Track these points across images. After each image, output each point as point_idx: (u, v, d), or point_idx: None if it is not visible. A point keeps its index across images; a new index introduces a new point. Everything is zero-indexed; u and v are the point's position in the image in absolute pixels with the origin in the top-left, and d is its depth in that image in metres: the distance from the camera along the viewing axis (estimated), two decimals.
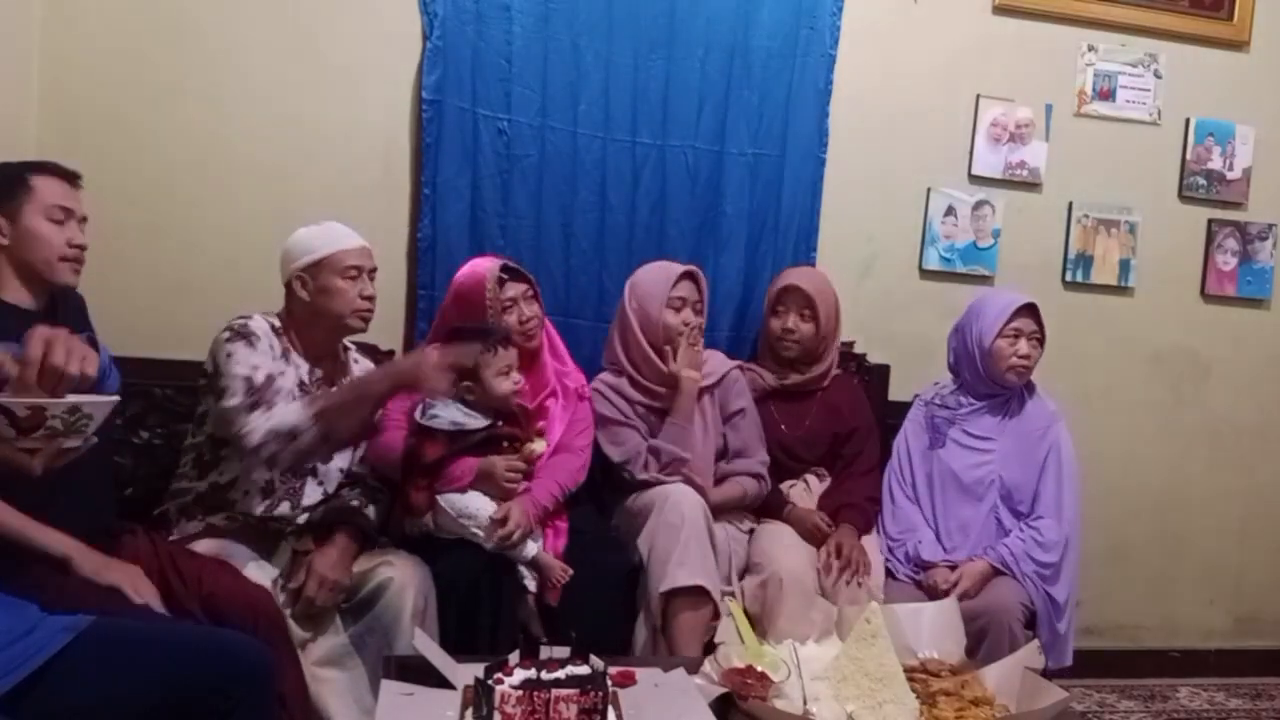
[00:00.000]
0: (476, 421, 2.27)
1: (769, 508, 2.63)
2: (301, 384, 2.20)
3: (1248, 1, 3.25)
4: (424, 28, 2.69)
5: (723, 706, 1.71)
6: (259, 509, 2.16)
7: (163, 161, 2.61)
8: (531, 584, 2.23)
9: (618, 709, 1.60)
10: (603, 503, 2.54)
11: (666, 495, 2.36)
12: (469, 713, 1.60)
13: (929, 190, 3.11)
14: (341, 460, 2.29)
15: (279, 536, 2.18)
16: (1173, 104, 3.25)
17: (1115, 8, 3.18)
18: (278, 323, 2.22)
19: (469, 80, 2.71)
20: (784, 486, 2.68)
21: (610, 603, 2.30)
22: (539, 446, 2.31)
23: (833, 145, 2.99)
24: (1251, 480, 3.45)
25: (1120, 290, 3.29)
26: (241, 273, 2.55)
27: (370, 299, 2.22)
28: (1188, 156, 3.28)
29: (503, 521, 2.19)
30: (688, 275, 2.59)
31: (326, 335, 2.24)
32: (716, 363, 2.66)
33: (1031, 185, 3.19)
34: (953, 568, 2.51)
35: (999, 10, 3.11)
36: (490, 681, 1.54)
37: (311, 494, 2.24)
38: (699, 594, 2.26)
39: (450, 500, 2.22)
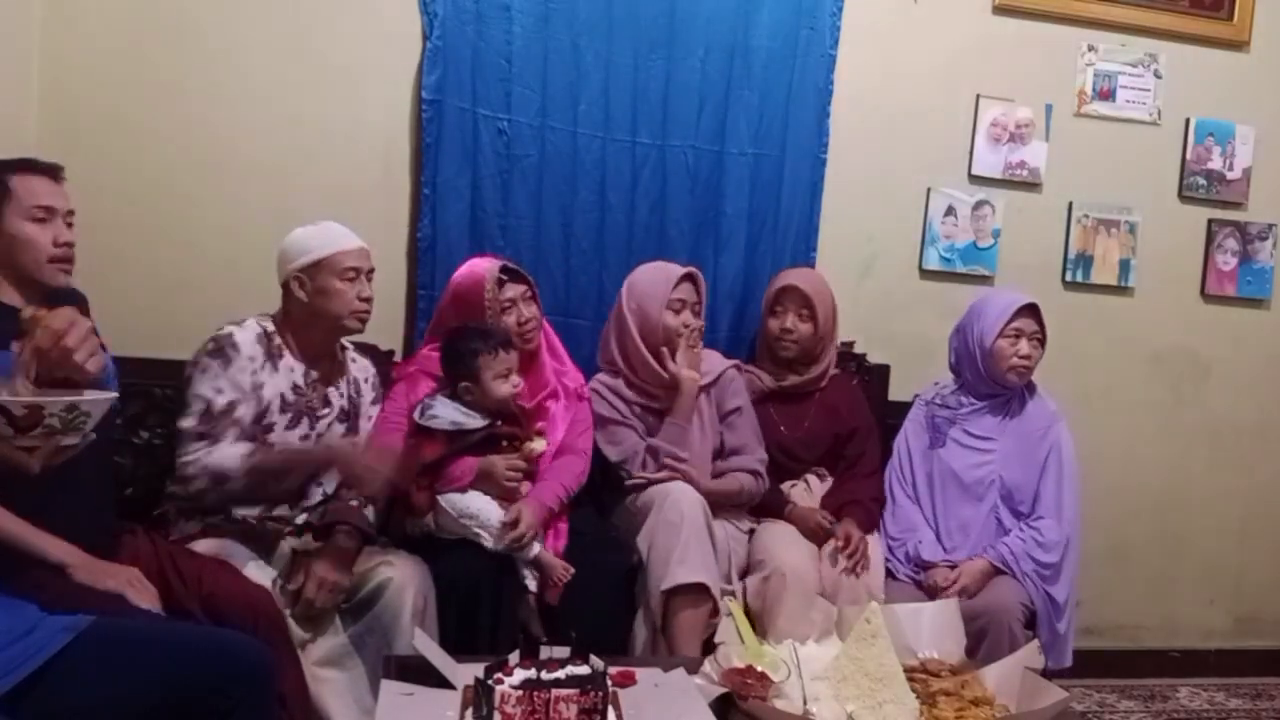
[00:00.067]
0: (475, 421, 2.27)
1: (770, 507, 2.63)
2: (295, 386, 2.19)
3: (1248, 1, 3.25)
4: (424, 28, 2.69)
5: (723, 706, 1.71)
6: (257, 510, 2.16)
7: (163, 161, 2.61)
8: (532, 584, 2.23)
9: (618, 709, 1.60)
10: (602, 503, 2.54)
11: (666, 493, 2.36)
12: (469, 713, 1.60)
13: (929, 190, 3.11)
14: None
15: (278, 537, 2.17)
16: (1173, 104, 3.25)
17: (1115, 8, 3.18)
18: (271, 326, 2.21)
19: (469, 80, 2.71)
20: (784, 486, 2.68)
21: (610, 602, 2.30)
22: (539, 445, 2.31)
23: (833, 145, 2.99)
24: (1251, 480, 3.45)
25: (1120, 290, 3.29)
26: (241, 273, 2.55)
27: (368, 300, 2.21)
28: (1188, 156, 3.28)
29: (514, 524, 2.19)
30: (687, 277, 2.59)
31: (323, 336, 2.24)
32: (713, 362, 2.66)
33: (1031, 185, 3.19)
34: (953, 567, 2.51)
35: (999, 10, 3.11)
36: (490, 681, 1.54)
37: (311, 495, 2.24)
38: (699, 592, 2.26)
39: (451, 500, 2.22)
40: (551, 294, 2.77)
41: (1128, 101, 3.23)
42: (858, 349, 3.03)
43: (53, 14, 2.53)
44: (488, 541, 2.19)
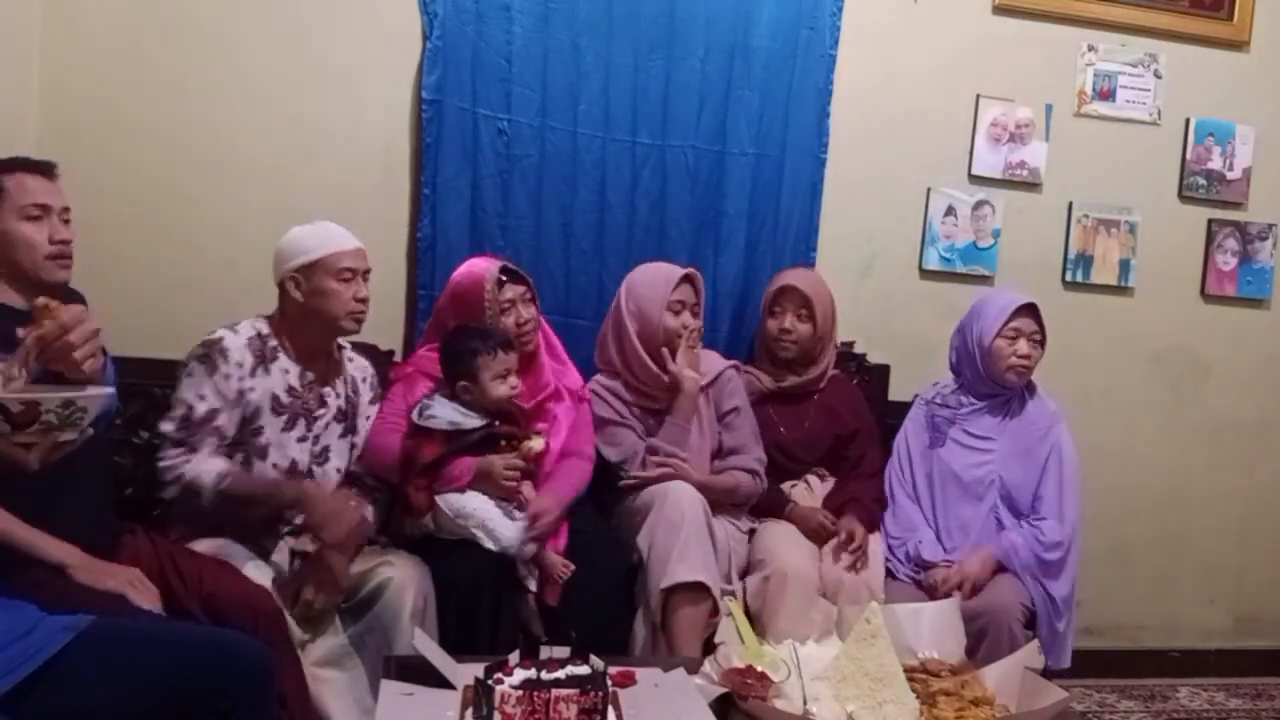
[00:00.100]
0: (473, 421, 2.27)
1: (771, 508, 2.63)
2: (291, 388, 2.19)
3: (1248, 1, 3.25)
4: (424, 28, 2.69)
5: (723, 706, 1.71)
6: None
7: (163, 161, 2.61)
8: (532, 583, 2.23)
9: (618, 709, 1.60)
10: (603, 502, 2.54)
11: (667, 492, 2.36)
12: (469, 713, 1.60)
13: (929, 190, 3.11)
14: (339, 460, 2.29)
15: (277, 537, 2.17)
16: (1173, 104, 3.25)
17: (1115, 8, 3.18)
18: (266, 328, 2.20)
19: (469, 80, 2.71)
20: (785, 487, 2.68)
21: (610, 602, 2.30)
22: (537, 444, 2.30)
23: (833, 145, 2.99)
24: (1251, 480, 3.45)
25: (1120, 290, 3.29)
26: (241, 273, 2.55)
27: (364, 301, 2.20)
28: (1188, 156, 3.28)
29: (535, 518, 2.21)
30: (686, 278, 2.59)
31: (319, 336, 2.23)
32: (711, 362, 2.66)
33: (1031, 185, 3.19)
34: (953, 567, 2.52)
35: (999, 10, 3.11)
36: (490, 681, 1.54)
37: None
38: (699, 590, 2.26)
39: (448, 500, 2.22)
40: (551, 294, 2.77)
41: (1128, 101, 3.23)
42: (858, 349, 3.03)
43: (53, 14, 2.53)
44: (485, 541, 2.19)
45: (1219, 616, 3.47)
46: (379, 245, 2.72)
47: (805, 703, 1.71)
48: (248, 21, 2.64)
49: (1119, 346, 3.30)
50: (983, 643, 2.27)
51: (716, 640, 2.20)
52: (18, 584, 1.65)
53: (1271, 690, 3.34)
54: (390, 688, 1.72)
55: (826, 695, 1.74)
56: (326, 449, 2.26)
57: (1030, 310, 2.62)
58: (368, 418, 2.34)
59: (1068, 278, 3.24)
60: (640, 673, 1.81)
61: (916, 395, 2.82)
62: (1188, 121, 3.27)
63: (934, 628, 1.98)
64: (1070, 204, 3.22)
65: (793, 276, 2.76)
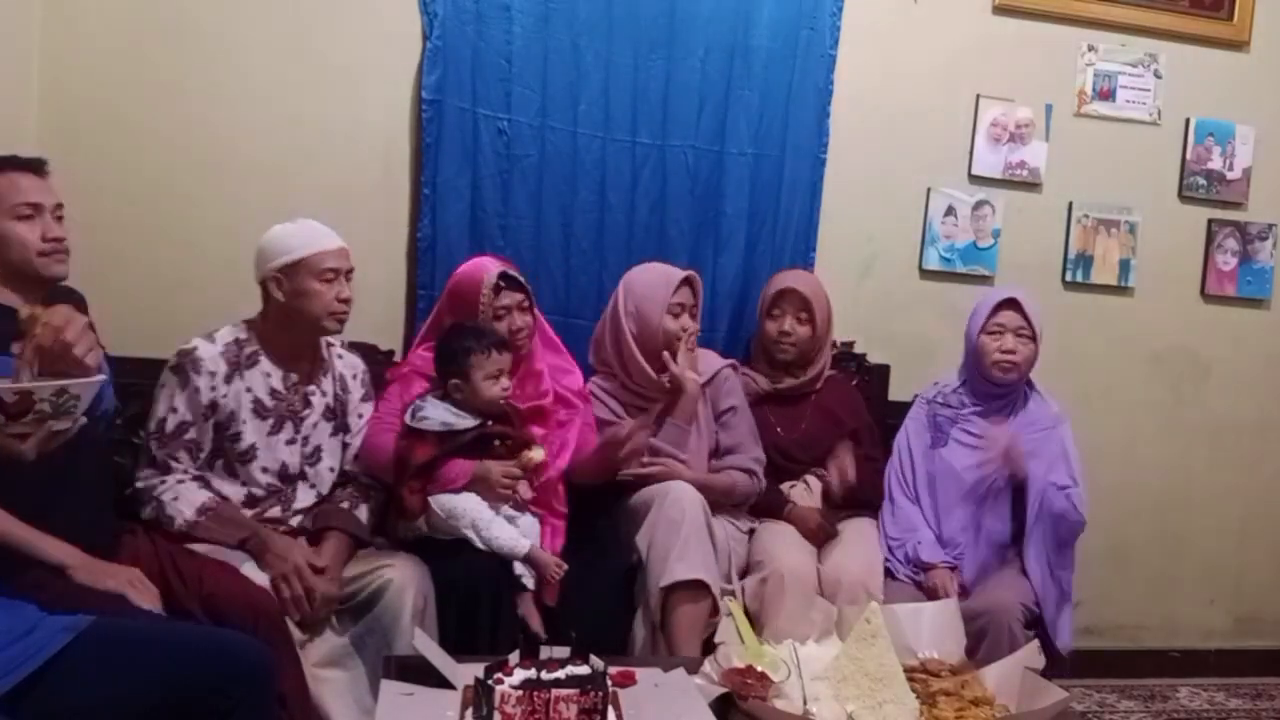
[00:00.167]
0: (466, 421, 2.26)
1: (770, 508, 2.63)
2: (274, 391, 2.19)
3: (1248, 1, 3.25)
4: (424, 28, 2.69)
5: (723, 706, 1.71)
6: (249, 514, 2.16)
7: (163, 161, 2.61)
8: (530, 582, 2.23)
9: (618, 709, 1.61)
10: (601, 502, 2.54)
11: (666, 491, 2.36)
12: (469, 713, 1.60)
13: (929, 190, 3.11)
14: (331, 459, 2.29)
15: None
16: (1173, 104, 3.25)
17: (1115, 8, 3.18)
18: (245, 333, 2.20)
19: (469, 80, 2.71)
20: (784, 487, 2.68)
21: (610, 602, 2.31)
22: (538, 455, 2.28)
23: (833, 145, 2.99)
24: (1252, 480, 3.45)
25: (1120, 290, 3.29)
26: (241, 273, 2.52)
27: (346, 302, 2.18)
28: (1188, 156, 3.28)
29: (621, 443, 2.28)
30: (686, 281, 2.58)
31: (301, 336, 2.22)
32: (709, 362, 2.66)
33: (1031, 185, 3.19)
34: (953, 569, 2.52)
35: (999, 10, 3.11)
36: (490, 681, 1.54)
37: (304, 497, 2.24)
38: (698, 589, 2.26)
39: (440, 500, 2.21)
40: (551, 294, 2.77)
41: (1128, 101, 3.23)
42: (858, 349, 3.03)
43: (53, 14, 2.53)
44: (475, 541, 2.18)
45: (1219, 616, 3.47)
46: (379, 245, 2.74)
47: (805, 703, 1.71)
48: (248, 21, 2.63)
49: (1119, 346, 3.30)
50: (983, 643, 2.26)
51: (716, 640, 2.19)
52: (18, 584, 1.65)
53: (1271, 690, 3.34)
54: (390, 688, 1.72)
55: (826, 695, 1.74)
56: (318, 449, 2.26)
57: (1013, 305, 2.61)
58: (360, 415, 2.34)
59: (1068, 278, 3.24)
60: (640, 673, 1.81)
61: (917, 395, 2.81)
62: (1188, 121, 3.27)
63: (934, 628, 1.98)
64: (1070, 204, 3.22)
65: (792, 279, 2.76)
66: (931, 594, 2.44)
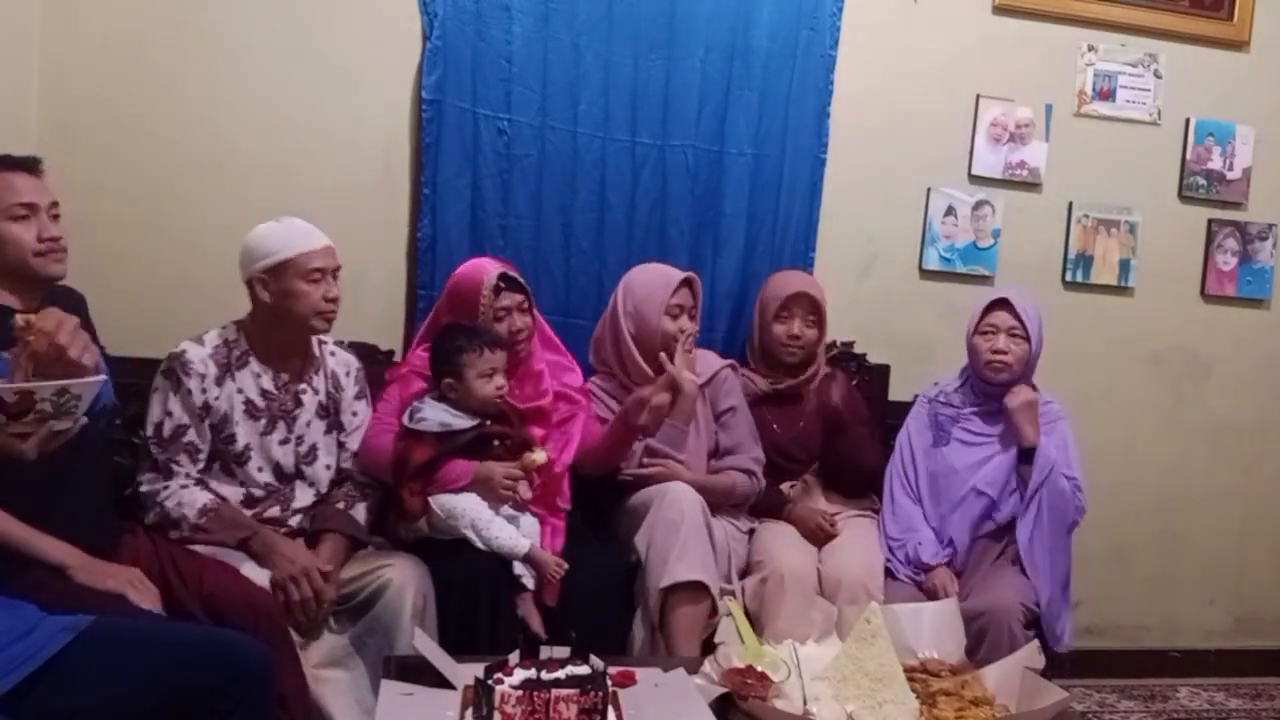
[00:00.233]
0: (464, 421, 2.26)
1: (770, 508, 2.63)
2: (265, 391, 2.19)
3: (1248, 1, 3.24)
4: (424, 28, 2.69)
5: (723, 706, 1.71)
6: (248, 514, 2.16)
7: (163, 161, 2.61)
8: (530, 582, 2.23)
9: (618, 709, 1.61)
10: (601, 502, 2.54)
11: (665, 492, 2.36)
12: (469, 713, 1.60)
13: (929, 190, 3.11)
14: (328, 457, 2.29)
15: None
16: (1173, 104, 3.25)
17: (1115, 8, 3.18)
18: (234, 334, 2.19)
19: (469, 80, 2.71)
20: (784, 487, 2.68)
21: (609, 602, 2.31)
22: (540, 457, 2.28)
23: (833, 145, 2.99)
24: (1252, 480, 3.45)
25: (1120, 290, 3.29)
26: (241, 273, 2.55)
27: (334, 301, 2.17)
28: (1188, 156, 3.28)
29: (644, 404, 2.31)
30: (686, 282, 2.58)
31: (290, 336, 2.22)
32: (708, 362, 2.66)
33: (1031, 185, 3.19)
34: (950, 564, 2.53)
35: (999, 10, 3.11)
36: (490, 681, 1.54)
37: (302, 496, 2.24)
38: (697, 590, 2.26)
39: (440, 500, 2.20)
40: (551, 294, 2.77)
41: (1128, 101, 3.23)
42: (858, 349, 3.03)
43: (53, 14, 2.53)
44: (475, 541, 2.18)
45: (1219, 616, 3.47)
46: (379, 245, 2.74)
47: (805, 703, 1.72)
48: (248, 21, 2.63)
49: (1119, 346, 3.30)
50: (983, 643, 2.26)
51: (716, 640, 2.19)
52: (18, 584, 1.65)
53: (1271, 690, 3.34)
54: (390, 688, 1.72)
55: (826, 695, 1.74)
56: (314, 447, 2.26)
57: (1006, 305, 2.61)
58: (354, 413, 2.33)
59: (1068, 278, 3.24)
60: (640, 673, 1.81)
61: (917, 395, 2.81)
62: (1188, 121, 3.27)
63: (934, 628, 1.98)
64: (1070, 204, 3.22)
65: (798, 282, 2.76)
66: (931, 594, 2.44)
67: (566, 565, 2.23)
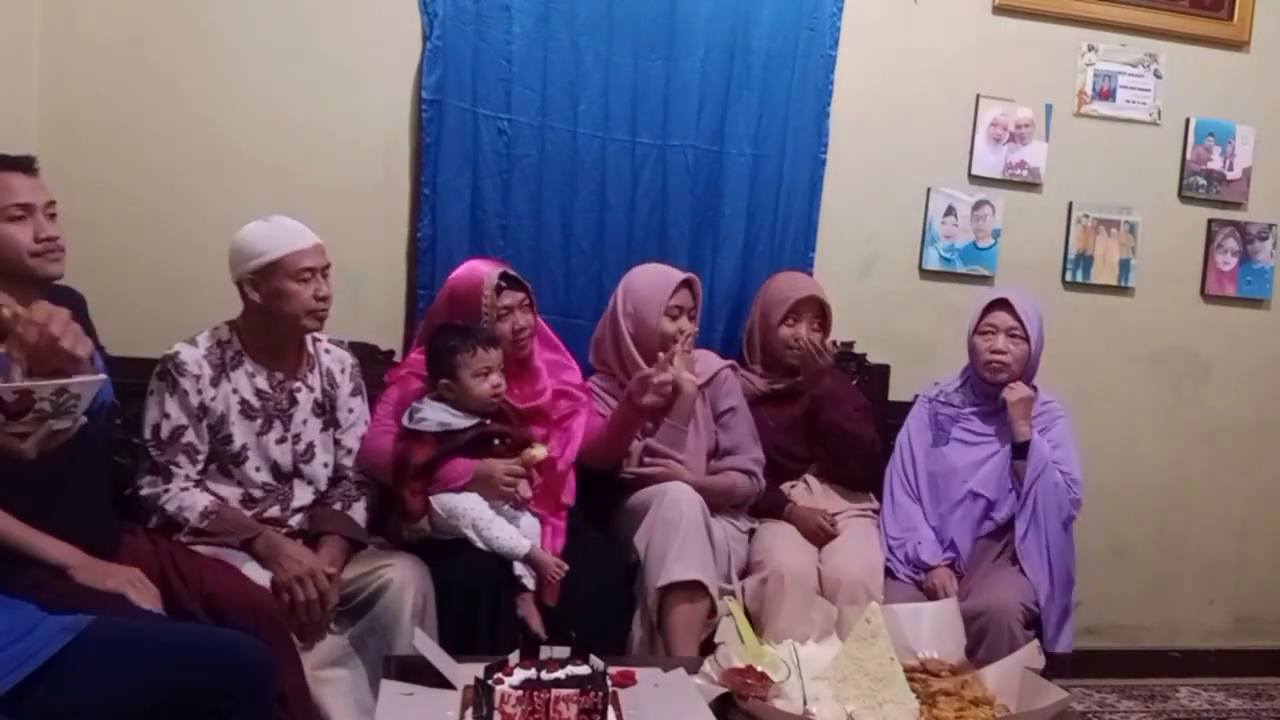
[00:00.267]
0: (463, 421, 2.26)
1: (770, 508, 2.63)
2: (260, 391, 2.19)
3: (1248, 1, 3.25)
4: (424, 28, 2.69)
5: (723, 706, 1.71)
6: (249, 514, 2.16)
7: (163, 161, 2.61)
8: (530, 582, 2.23)
9: (618, 709, 1.61)
10: (600, 502, 2.54)
11: (665, 492, 2.36)
12: (469, 713, 1.60)
13: (929, 190, 3.11)
14: (325, 455, 2.29)
15: None
16: (1173, 104, 3.25)
17: (1115, 8, 3.18)
18: (227, 335, 2.19)
19: (469, 80, 2.71)
20: (784, 487, 2.68)
21: (609, 602, 2.31)
22: (540, 453, 2.28)
23: (833, 145, 2.99)
24: (1251, 480, 3.45)
25: (1120, 290, 3.29)
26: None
27: (325, 299, 2.17)
28: (1188, 156, 3.28)
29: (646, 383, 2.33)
30: (685, 283, 2.58)
31: (282, 336, 2.22)
32: (708, 362, 2.66)
33: (1031, 185, 3.19)
34: (952, 566, 2.53)
35: (999, 10, 3.11)
36: (490, 681, 1.54)
37: (302, 495, 2.24)
38: (696, 589, 2.26)
39: (441, 500, 2.21)
40: (551, 294, 2.77)
41: (1128, 101, 3.23)
42: (858, 349, 3.03)
43: (53, 14, 2.53)
44: (476, 541, 2.18)
45: (1219, 616, 3.47)
46: (379, 245, 2.74)
47: (805, 703, 1.71)
48: (248, 21, 2.63)
49: (1119, 346, 3.30)
50: (983, 643, 2.26)
51: (716, 640, 2.20)
52: (18, 584, 1.65)
53: (1271, 690, 3.34)
54: (390, 688, 1.72)
55: (826, 695, 1.74)
56: (311, 446, 2.26)
57: (1005, 305, 2.61)
58: (351, 410, 2.33)
59: (1068, 278, 3.24)
60: (640, 673, 1.81)
61: (918, 395, 2.81)
62: (1188, 121, 3.27)
63: (934, 628, 1.98)
64: (1070, 204, 3.22)
65: (806, 285, 2.76)
66: (931, 594, 2.44)
67: (566, 566, 2.22)
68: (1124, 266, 3.27)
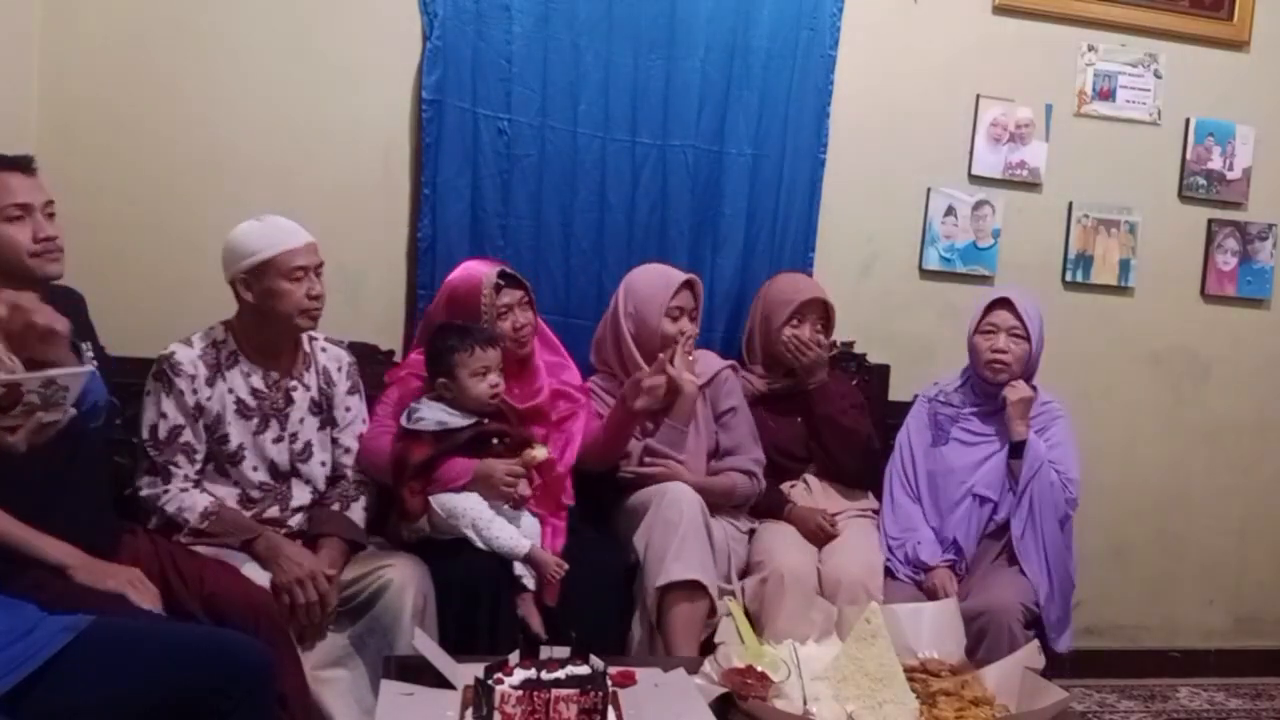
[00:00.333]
0: (461, 420, 2.26)
1: (770, 508, 2.63)
2: (255, 390, 2.19)
3: (1248, 1, 3.25)
4: (424, 28, 2.69)
5: (723, 706, 1.71)
6: (247, 514, 2.16)
7: (163, 161, 2.61)
8: (530, 582, 2.23)
9: (618, 709, 1.61)
10: (600, 502, 2.54)
11: (665, 492, 2.36)
12: (469, 713, 1.60)
13: (929, 190, 3.11)
14: (322, 454, 2.29)
15: None
16: (1173, 104, 3.25)
17: (1115, 8, 3.18)
18: (222, 334, 2.19)
19: (469, 80, 2.71)
20: (784, 487, 2.68)
21: (608, 602, 2.31)
22: (540, 453, 2.28)
23: (833, 145, 2.99)
24: (1251, 480, 3.45)
25: (1120, 290, 3.29)
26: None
27: (318, 298, 2.16)
28: (1188, 156, 3.28)
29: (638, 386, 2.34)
30: (687, 284, 2.58)
31: (276, 336, 2.21)
32: (708, 362, 2.66)
33: (1031, 185, 3.19)
34: (953, 567, 2.52)
35: (999, 10, 3.11)
36: (490, 681, 1.54)
37: (300, 495, 2.24)
38: (695, 589, 2.26)
39: (440, 500, 2.21)
40: (551, 294, 2.77)
41: (1128, 101, 3.23)
42: (858, 349, 3.03)
43: (53, 14, 2.53)
44: (475, 541, 2.18)
45: (1219, 616, 3.47)
46: (379, 245, 2.74)
47: (805, 703, 1.72)
48: (248, 21, 2.63)
49: (1119, 346, 3.30)
50: (983, 643, 2.26)
51: (716, 640, 2.20)
52: (18, 584, 1.65)
53: (1271, 690, 3.34)
54: (390, 688, 1.72)
55: (826, 695, 1.75)
56: (308, 445, 2.26)
57: (1007, 305, 2.61)
58: (348, 408, 2.33)
59: (1068, 278, 3.24)
60: (640, 673, 1.81)
61: (917, 395, 2.81)
62: (1188, 121, 3.27)
63: (934, 628, 1.98)
64: (1070, 204, 3.22)
65: (810, 287, 2.75)
66: (931, 594, 2.44)
67: (567, 566, 2.23)
68: (1124, 266, 3.27)
